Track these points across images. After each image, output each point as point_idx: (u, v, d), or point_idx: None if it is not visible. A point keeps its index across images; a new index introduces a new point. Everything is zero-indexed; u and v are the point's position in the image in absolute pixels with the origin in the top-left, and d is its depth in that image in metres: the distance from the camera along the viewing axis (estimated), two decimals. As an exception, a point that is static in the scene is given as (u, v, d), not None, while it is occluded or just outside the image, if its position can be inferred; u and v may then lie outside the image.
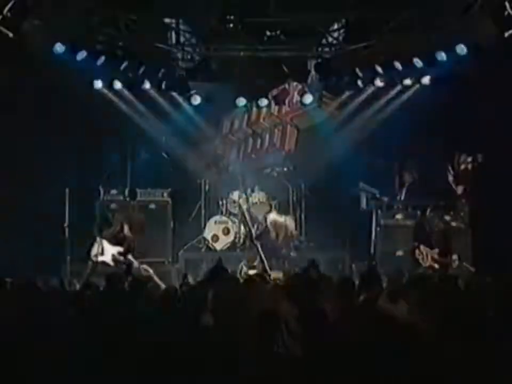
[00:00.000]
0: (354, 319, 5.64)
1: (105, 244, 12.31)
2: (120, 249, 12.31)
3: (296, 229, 14.39)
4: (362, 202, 14.81)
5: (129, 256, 12.27)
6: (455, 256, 12.13)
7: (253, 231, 12.35)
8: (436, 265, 12.08)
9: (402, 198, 14.75)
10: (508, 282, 7.57)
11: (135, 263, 12.23)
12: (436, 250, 12.17)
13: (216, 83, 14.60)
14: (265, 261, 11.84)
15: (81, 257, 12.91)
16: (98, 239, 12.34)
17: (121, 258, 12.22)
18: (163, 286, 11.33)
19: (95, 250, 12.25)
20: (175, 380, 5.16)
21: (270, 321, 5.46)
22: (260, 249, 12.11)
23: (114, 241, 12.35)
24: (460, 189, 14.32)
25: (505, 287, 7.01)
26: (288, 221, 13.48)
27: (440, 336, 5.29)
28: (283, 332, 5.45)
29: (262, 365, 5.11)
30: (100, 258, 12.26)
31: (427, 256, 12.05)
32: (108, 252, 12.27)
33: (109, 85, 14.36)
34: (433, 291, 7.02)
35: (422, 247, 12.21)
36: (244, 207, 13.25)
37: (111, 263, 12.23)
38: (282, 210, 14.35)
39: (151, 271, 12.24)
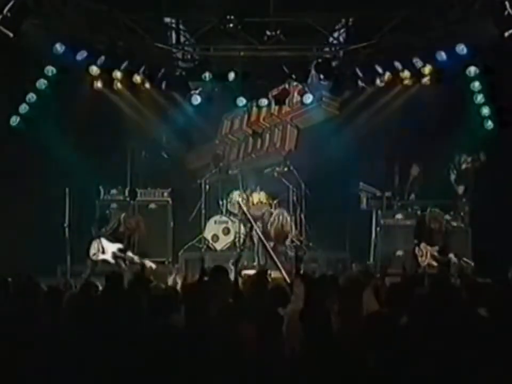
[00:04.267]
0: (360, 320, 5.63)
1: (104, 242, 12.31)
2: (120, 246, 12.30)
3: (296, 228, 14.41)
4: (362, 202, 14.80)
5: (129, 253, 12.25)
6: (451, 255, 12.11)
7: (259, 230, 12.28)
8: (434, 263, 12.06)
9: (407, 191, 14.72)
10: (507, 282, 7.59)
11: (135, 259, 12.21)
12: (436, 247, 12.16)
13: (216, 83, 14.61)
14: (276, 260, 11.80)
15: (81, 257, 12.90)
16: (96, 238, 12.34)
17: (122, 255, 12.21)
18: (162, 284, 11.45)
19: (94, 249, 12.24)
20: (175, 380, 5.16)
21: (271, 321, 5.46)
22: (268, 248, 12.07)
23: (114, 239, 12.34)
24: (461, 189, 14.32)
25: (504, 287, 7.02)
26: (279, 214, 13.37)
27: (439, 336, 5.30)
28: (284, 332, 5.45)
29: (262, 365, 5.11)
30: (100, 257, 12.25)
31: (426, 254, 12.02)
32: (107, 250, 12.26)
33: (109, 85, 14.36)
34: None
35: (422, 244, 12.19)
36: (244, 208, 13.21)
37: (112, 261, 12.22)
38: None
39: (153, 265, 12.29)
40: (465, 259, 12.37)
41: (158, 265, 12.69)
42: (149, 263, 12.32)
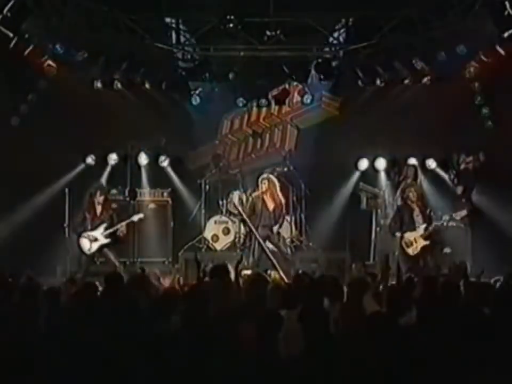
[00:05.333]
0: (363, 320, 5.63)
1: (89, 232, 12.01)
2: (104, 225, 12.03)
3: (296, 228, 14.41)
4: (362, 202, 14.79)
5: (105, 250, 12.05)
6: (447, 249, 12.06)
7: (254, 230, 12.25)
8: (424, 242, 11.67)
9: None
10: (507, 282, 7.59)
11: (123, 223, 12.09)
12: (420, 232, 11.75)
13: (216, 83, 14.61)
14: (274, 261, 11.79)
15: (81, 257, 12.89)
16: (80, 234, 12.09)
17: (110, 230, 11.97)
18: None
19: (86, 244, 12.02)
20: (175, 380, 5.16)
21: (271, 321, 5.46)
22: (265, 248, 12.05)
23: (98, 223, 12.07)
24: (459, 189, 14.30)
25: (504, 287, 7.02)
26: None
27: (438, 336, 5.30)
28: (283, 332, 5.45)
29: (261, 365, 5.11)
30: (95, 246, 12.00)
31: (413, 242, 11.76)
32: (96, 235, 11.98)
33: (109, 85, 14.36)
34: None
35: (405, 235, 11.82)
36: (240, 208, 13.17)
37: (106, 240, 11.91)
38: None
39: (141, 216, 12.37)
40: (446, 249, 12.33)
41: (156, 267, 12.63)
42: (136, 217, 12.31)
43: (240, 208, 13.04)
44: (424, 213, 11.81)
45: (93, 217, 12.05)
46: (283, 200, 12.82)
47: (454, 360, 4.97)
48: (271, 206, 12.56)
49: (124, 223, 12.11)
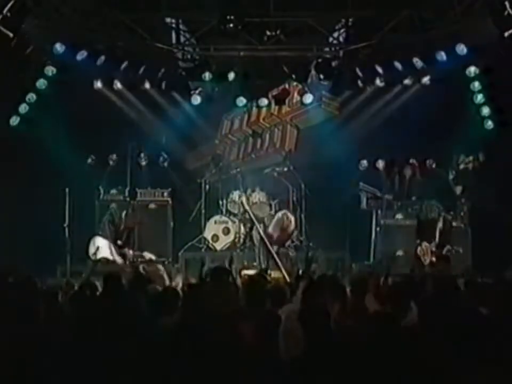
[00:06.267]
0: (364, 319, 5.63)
1: (102, 240, 12.21)
2: (119, 242, 12.22)
3: (296, 228, 14.41)
4: (362, 202, 14.80)
5: (125, 249, 12.20)
6: (448, 247, 12.12)
7: (261, 230, 12.23)
8: (434, 259, 12.01)
9: (404, 192, 14.71)
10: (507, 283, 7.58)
11: (129, 254, 12.18)
12: (434, 243, 12.09)
13: (216, 83, 14.61)
14: (278, 260, 11.79)
15: (81, 257, 12.91)
16: (94, 236, 12.25)
17: (121, 251, 12.15)
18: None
19: (92, 248, 12.17)
20: (174, 380, 5.16)
21: (269, 321, 5.46)
22: (269, 248, 12.05)
23: (112, 236, 12.27)
24: (458, 189, 14.31)
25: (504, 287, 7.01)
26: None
27: (438, 337, 5.30)
28: (282, 332, 5.45)
29: (261, 365, 5.11)
30: (99, 255, 12.15)
31: (428, 252, 11.95)
32: (105, 247, 12.15)
33: (109, 85, 14.36)
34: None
35: (424, 243, 12.15)
36: (248, 207, 13.17)
37: (111, 257, 12.13)
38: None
39: (153, 257, 12.34)
40: (455, 247, 12.43)
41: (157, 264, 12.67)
42: (148, 255, 12.35)
43: (248, 208, 13.01)
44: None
45: (115, 231, 12.45)
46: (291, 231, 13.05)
47: (454, 360, 4.97)
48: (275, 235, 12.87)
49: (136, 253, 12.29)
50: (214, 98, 14.91)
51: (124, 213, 12.82)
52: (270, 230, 12.89)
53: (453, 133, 13.86)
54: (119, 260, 12.25)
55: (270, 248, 12.00)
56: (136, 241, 14.01)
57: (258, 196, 14.50)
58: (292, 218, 13.26)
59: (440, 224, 12.33)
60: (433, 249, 12.12)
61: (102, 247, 12.14)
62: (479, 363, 4.89)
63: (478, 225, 13.77)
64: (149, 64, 14.13)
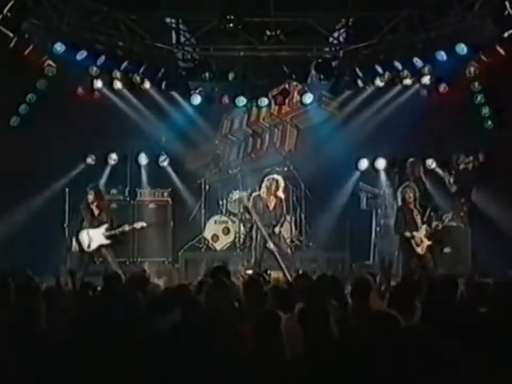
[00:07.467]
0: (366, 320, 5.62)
1: (90, 230, 11.93)
2: (105, 225, 11.94)
3: (296, 228, 14.41)
4: (362, 202, 14.80)
5: (104, 250, 11.93)
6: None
7: (264, 232, 12.13)
8: (428, 242, 11.68)
9: None
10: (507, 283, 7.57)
11: (126, 227, 12.00)
12: (423, 232, 11.75)
13: (216, 83, 14.61)
14: (281, 262, 11.76)
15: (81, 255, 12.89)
16: (80, 230, 11.98)
17: (112, 232, 11.88)
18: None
19: (86, 240, 11.91)
20: (174, 380, 5.16)
21: (269, 321, 5.45)
22: (274, 249, 12.01)
23: (97, 224, 11.98)
24: (453, 188, 14.29)
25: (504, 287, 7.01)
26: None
27: (439, 336, 5.30)
28: (282, 332, 5.44)
29: (262, 366, 5.11)
30: (95, 244, 11.90)
31: (421, 241, 11.72)
32: (97, 235, 11.91)
33: (109, 85, 14.36)
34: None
35: (415, 234, 11.79)
36: (252, 212, 13.06)
37: (106, 241, 11.86)
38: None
39: (144, 224, 12.23)
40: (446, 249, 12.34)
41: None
42: (139, 224, 12.20)
43: (253, 212, 12.91)
44: (422, 214, 11.81)
45: (91, 218, 11.95)
46: (283, 196, 12.58)
47: (454, 360, 4.97)
48: (271, 204, 12.43)
49: (127, 229, 12.01)
50: (214, 98, 14.90)
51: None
52: (263, 195, 12.42)
53: (453, 133, 13.86)
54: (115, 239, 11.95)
55: (272, 248, 11.97)
56: (136, 242, 14.06)
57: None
58: (281, 183, 12.67)
59: (436, 223, 12.15)
60: (425, 240, 11.78)
61: (92, 237, 11.87)
62: (479, 363, 4.89)
63: (477, 225, 13.77)
64: (149, 64, 14.12)
